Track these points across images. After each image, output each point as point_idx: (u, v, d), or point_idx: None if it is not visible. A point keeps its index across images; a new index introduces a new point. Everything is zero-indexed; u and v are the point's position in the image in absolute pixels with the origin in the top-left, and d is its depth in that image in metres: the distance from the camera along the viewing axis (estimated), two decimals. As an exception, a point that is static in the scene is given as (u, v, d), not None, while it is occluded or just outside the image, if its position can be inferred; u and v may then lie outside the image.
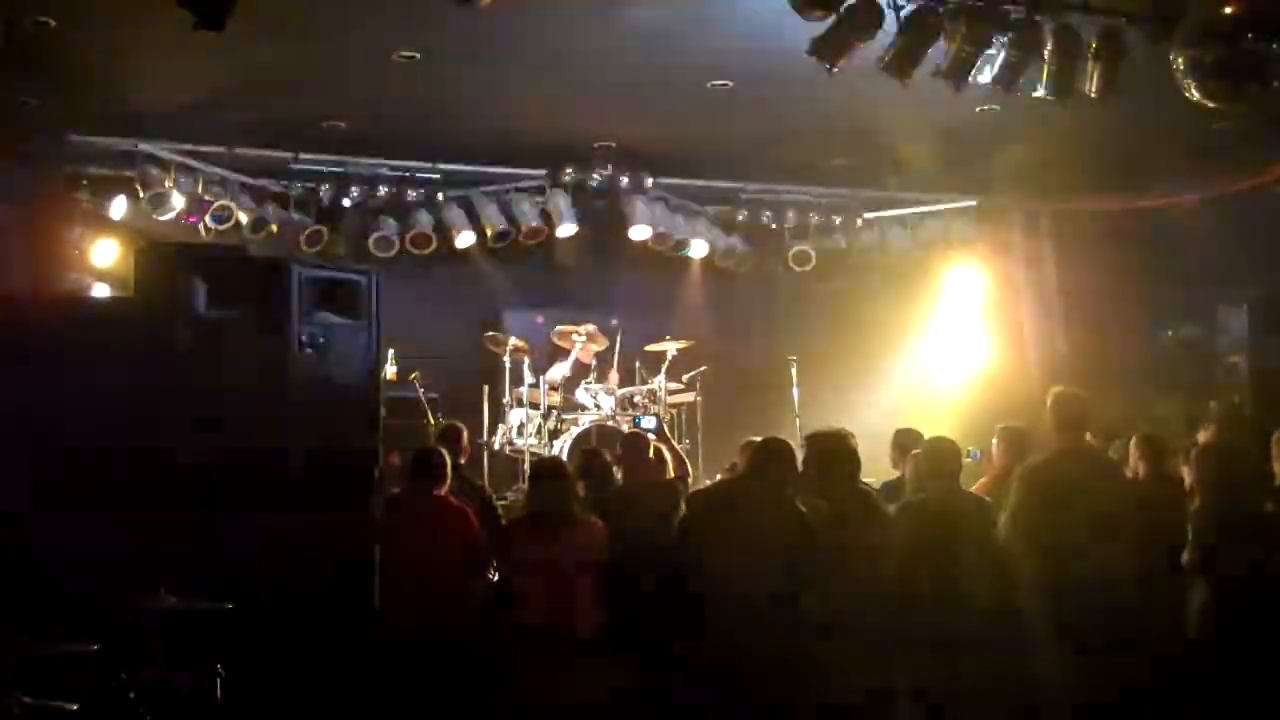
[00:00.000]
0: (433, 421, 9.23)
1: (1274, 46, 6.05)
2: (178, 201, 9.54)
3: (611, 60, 7.98)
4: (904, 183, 11.54)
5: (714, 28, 7.36)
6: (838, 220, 11.61)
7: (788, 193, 11.48)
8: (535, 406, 10.17)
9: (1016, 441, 6.64)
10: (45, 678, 4.52)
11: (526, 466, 9.40)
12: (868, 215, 11.71)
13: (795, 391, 10.44)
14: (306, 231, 10.24)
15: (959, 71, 6.61)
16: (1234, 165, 9.62)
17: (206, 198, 9.75)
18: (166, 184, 9.49)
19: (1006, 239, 11.70)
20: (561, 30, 7.40)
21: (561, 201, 10.76)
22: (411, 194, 10.50)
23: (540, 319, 11.16)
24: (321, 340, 6.32)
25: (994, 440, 6.78)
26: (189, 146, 9.67)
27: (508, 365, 10.23)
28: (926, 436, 6.43)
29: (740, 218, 11.51)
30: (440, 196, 10.61)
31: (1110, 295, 10.58)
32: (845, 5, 6.13)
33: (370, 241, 10.45)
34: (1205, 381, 9.75)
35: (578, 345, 10.53)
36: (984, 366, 11.54)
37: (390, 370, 9.54)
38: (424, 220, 10.61)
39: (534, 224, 10.77)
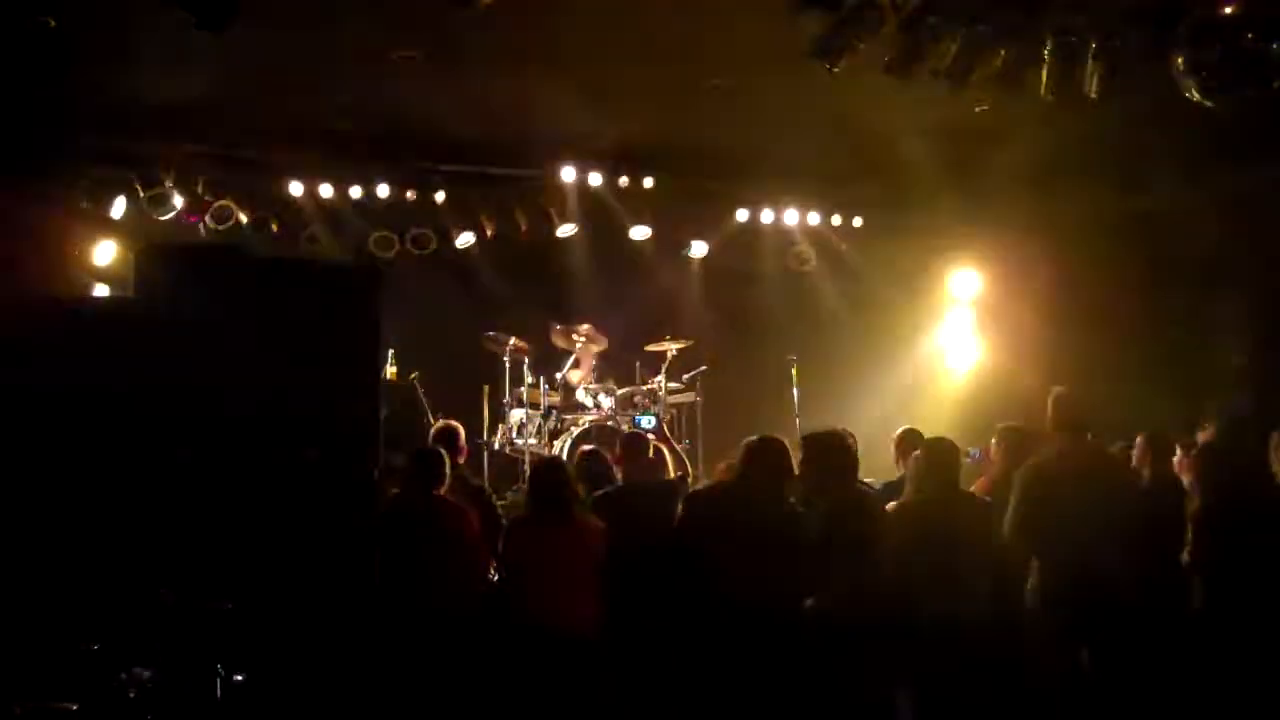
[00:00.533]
0: (433, 421, 9.23)
1: (1274, 46, 6.06)
2: (178, 201, 9.54)
3: (611, 60, 7.98)
4: (904, 183, 11.53)
5: (714, 28, 7.37)
6: (838, 220, 11.61)
7: (788, 193, 11.47)
8: (535, 406, 10.17)
9: (1016, 442, 6.64)
10: (45, 678, 4.53)
11: (526, 466, 9.39)
12: (866, 215, 11.70)
13: (795, 391, 10.43)
14: (306, 231, 10.24)
15: (958, 71, 6.62)
16: (1234, 165, 9.62)
17: (206, 198, 9.76)
18: (166, 184, 9.49)
19: (1006, 239, 11.70)
20: (562, 30, 7.40)
21: (561, 201, 10.76)
22: (411, 194, 10.49)
23: (540, 319, 11.16)
24: (321, 341, 6.32)
25: (993, 441, 6.78)
26: (189, 146, 9.67)
27: (508, 365, 10.22)
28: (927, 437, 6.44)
29: (740, 218, 11.51)
30: (440, 196, 10.62)
31: (1110, 295, 10.58)
32: (845, 5, 6.14)
33: (370, 241, 10.45)
34: (1205, 381, 9.75)
35: (578, 345, 10.52)
36: (983, 367, 11.54)
37: (390, 370, 9.53)
38: (424, 220, 10.61)
39: (534, 224, 10.77)
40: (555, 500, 5.70)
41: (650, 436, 6.85)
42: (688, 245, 11.41)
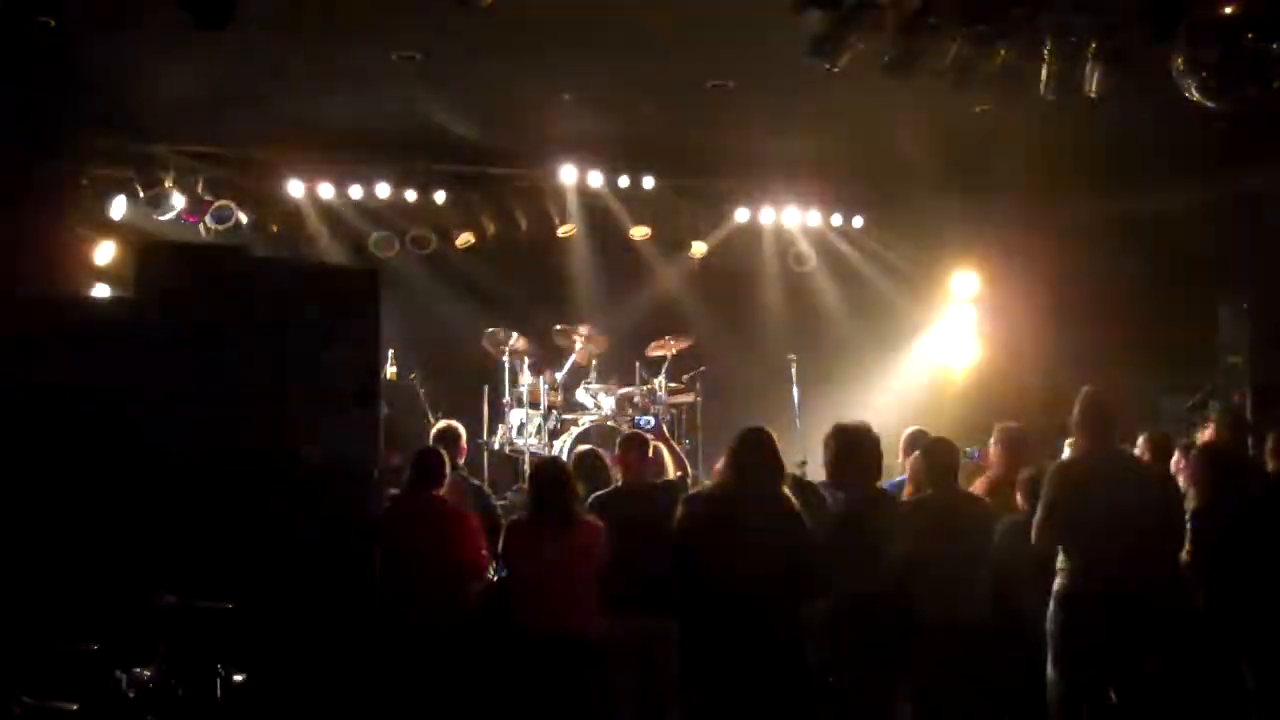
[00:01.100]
0: (432, 421, 9.23)
1: (1274, 46, 6.06)
2: (178, 201, 9.54)
3: (611, 60, 7.98)
4: (904, 183, 11.54)
5: (714, 28, 7.37)
6: (838, 220, 11.61)
7: (787, 192, 11.47)
8: (535, 406, 10.17)
9: (1015, 442, 6.64)
10: (45, 678, 4.53)
11: (526, 466, 9.39)
12: (866, 215, 11.71)
13: (795, 391, 10.44)
14: (306, 231, 10.24)
15: (959, 71, 6.62)
16: (1234, 165, 9.61)
17: (206, 198, 9.76)
18: (166, 184, 9.49)
19: (1006, 239, 11.70)
20: (561, 30, 7.40)
21: (561, 201, 10.76)
22: (411, 194, 10.50)
23: (540, 319, 11.16)
24: (321, 340, 6.32)
25: (992, 441, 6.78)
26: (189, 147, 9.67)
27: (508, 365, 10.22)
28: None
29: (740, 218, 11.52)
30: (440, 196, 10.62)
31: (1109, 295, 10.58)
32: (845, 5, 6.14)
33: (370, 241, 10.45)
34: (1205, 381, 9.76)
35: (577, 345, 10.53)
36: (983, 367, 11.54)
37: (390, 370, 9.53)
38: (424, 220, 10.61)
39: (534, 224, 10.78)
40: (555, 500, 5.69)
41: (650, 436, 6.83)
42: (688, 245, 11.40)
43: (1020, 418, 7.05)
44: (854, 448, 5.45)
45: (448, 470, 6.26)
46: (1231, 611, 5.46)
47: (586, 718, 5.53)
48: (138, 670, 4.65)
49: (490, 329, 10.39)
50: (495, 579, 6.30)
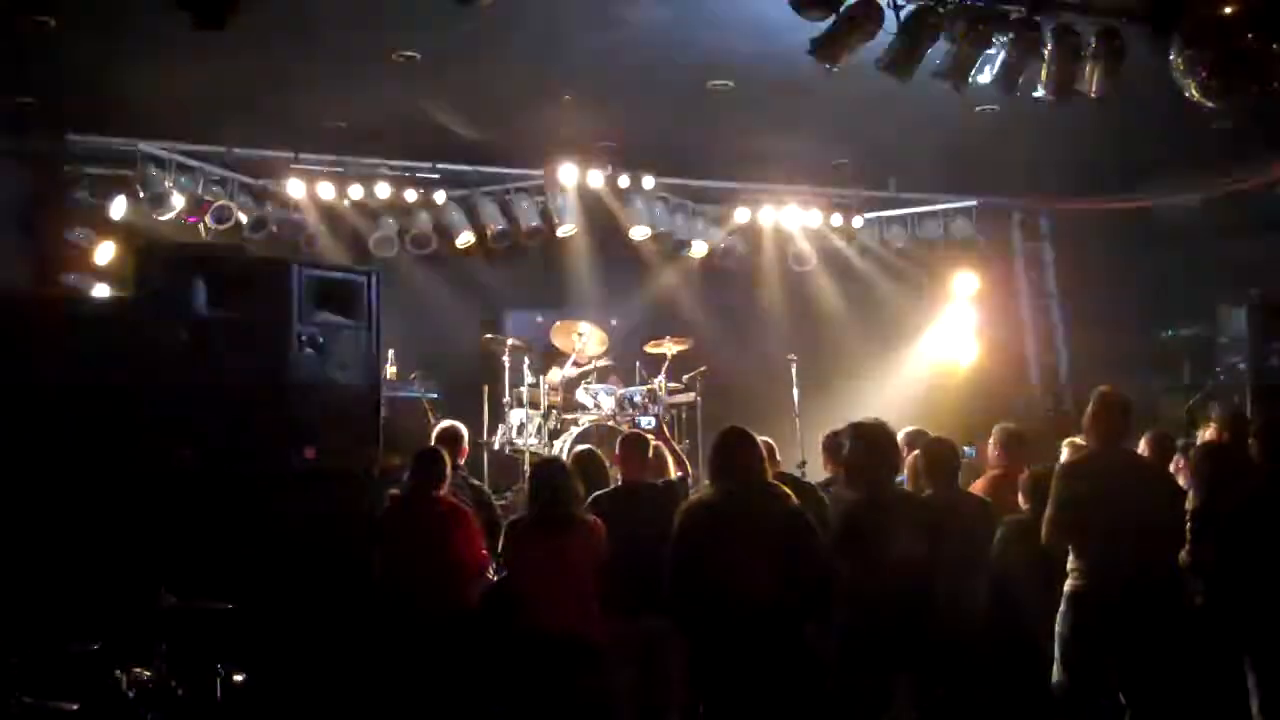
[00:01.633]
0: (433, 421, 9.23)
1: (1274, 46, 6.05)
2: (178, 201, 9.53)
3: (611, 60, 7.98)
4: (904, 183, 11.54)
5: (714, 28, 7.37)
6: (838, 220, 11.62)
7: (788, 193, 11.48)
8: (535, 406, 10.16)
9: (1014, 442, 6.64)
10: (45, 677, 4.53)
11: (526, 466, 9.39)
12: (868, 215, 11.72)
13: (795, 391, 10.44)
14: (306, 231, 10.24)
15: (959, 71, 6.62)
16: (1234, 165, 9.62)
17: (206, 198, 9.75)
18: (166, 184, 9.49)
19: (1006, 239, 11.71)
20: (562, 30, 7.40)
21: (561, 201, 10.76)
22: (411, 194, 10.50)
23: (540, 319, 11.16)
24: (321, 340, 6.32)
25: (991, 441, 6.77)
26: (189, 146, 9.67)
27: (508, 365, 10.22)
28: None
29: (740, 218, 11.52)
30: (440, 196, 10.62)
31: (1110, 295, 10.59)
32: (845, 5, 6.14)
33: (370, 241, 10.45)
34: (1205, 381, 9.76)
35: (577, 345, 10.53)
36: (983, 366, 11.54)
37: (390, 370, 9.53)
38: (424, 220, 10.62)
39: (534, 224, 10.79)
40: (555, 501, 5.68)
41: (650, 436, 6.83)
42: (688, 245, 11.41)
43: (1019, 417, 7.05)
44: (874, 446, 5.43)
45: (448, 470, 6.26)
46: (1231, 610, 5.45)
47: (586, 718, 5.53)
48: (138, 670, 4.65)
49: (490, 329, 10.38)
50: (495, 579, 6.29)
